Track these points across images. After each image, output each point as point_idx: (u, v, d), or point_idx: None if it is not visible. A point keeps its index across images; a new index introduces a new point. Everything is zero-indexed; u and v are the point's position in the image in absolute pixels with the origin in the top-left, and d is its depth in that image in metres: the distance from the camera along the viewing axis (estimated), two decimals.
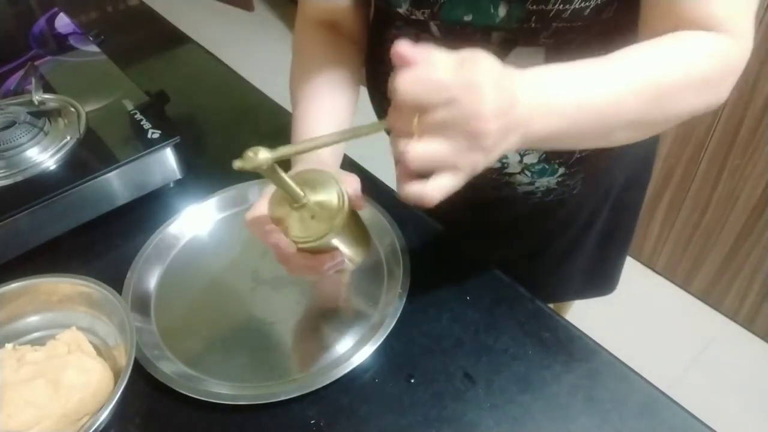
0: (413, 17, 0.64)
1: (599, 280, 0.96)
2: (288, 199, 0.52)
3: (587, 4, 0.55)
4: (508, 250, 0.84)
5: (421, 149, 0.41)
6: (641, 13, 0.55)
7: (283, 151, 0.46)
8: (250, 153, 0.45)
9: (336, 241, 0.55)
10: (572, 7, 0.55)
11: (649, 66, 0.49)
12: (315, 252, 0.56)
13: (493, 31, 0.61)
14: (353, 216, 0.57)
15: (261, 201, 0.57)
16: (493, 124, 0.40)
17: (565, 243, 0.86)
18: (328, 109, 0.67)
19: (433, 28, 0.64)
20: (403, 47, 0.40)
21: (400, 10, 0.64)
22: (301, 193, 0.52)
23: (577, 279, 0.93)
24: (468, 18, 0.60)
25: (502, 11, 0.58)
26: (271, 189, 0.56)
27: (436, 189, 0.43)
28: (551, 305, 0.98)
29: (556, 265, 0.89)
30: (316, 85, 0.68)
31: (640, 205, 0.92)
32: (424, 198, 0.43)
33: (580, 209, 0.82)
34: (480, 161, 0.43)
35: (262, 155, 0.45)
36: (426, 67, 0.40)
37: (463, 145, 0.41)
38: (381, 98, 0.80)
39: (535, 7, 0.56)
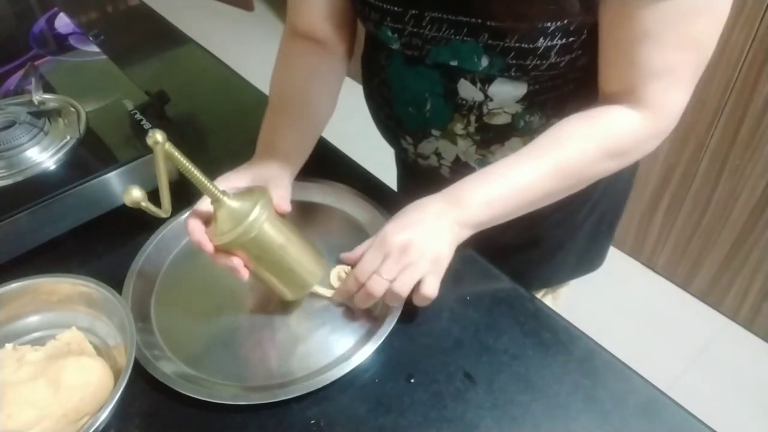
0: (404, 53, 0.70)
1: (589, 260, 0.98)
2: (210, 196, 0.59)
3: (562, 59, 0.62)
4: (507, 243, 0.85)
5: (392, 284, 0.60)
6: (599, 69, 0.63)
7: (174, 151, 0.55)
8: (150, 132, 0.53)
9: (251, 248, 0.59)
10: (548, 62, 0.62)
11: (567, 148, 0.62)
12: (229, 253, 0.61)
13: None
14: (291, 245, 0.62)
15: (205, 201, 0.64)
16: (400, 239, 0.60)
17: (561, 232, 0.87)
18: (286, 132, 0.73)
19: (425, 59, 0.68)
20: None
21: (393, 47, 0.70)
22: (213, 189, 0.58)
23: (570, 263, 0.94)
24: (454, 63, 0.66)
25: (484, 61, 0.64)
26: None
27: (428, 288, 0.61)
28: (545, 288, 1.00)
29: (552, 253, 0.90)
30: (288, 97, 0.75)
31: (630, 187, 0.95)
32: (428, 297, 0.61)
33: (579, 203, 0.83)
34: (439, 259, 0.61)
35: (158, 137, 0.53)
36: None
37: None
38: (377, 108, 0.83)
39: (514, 61, 0.62)
